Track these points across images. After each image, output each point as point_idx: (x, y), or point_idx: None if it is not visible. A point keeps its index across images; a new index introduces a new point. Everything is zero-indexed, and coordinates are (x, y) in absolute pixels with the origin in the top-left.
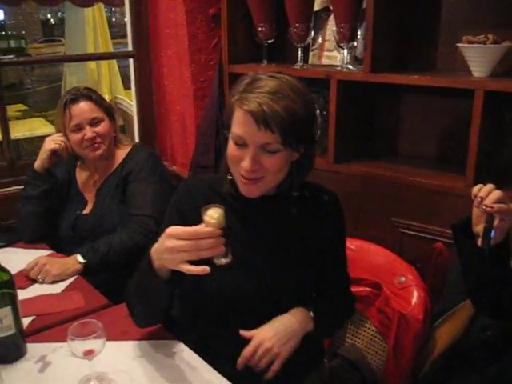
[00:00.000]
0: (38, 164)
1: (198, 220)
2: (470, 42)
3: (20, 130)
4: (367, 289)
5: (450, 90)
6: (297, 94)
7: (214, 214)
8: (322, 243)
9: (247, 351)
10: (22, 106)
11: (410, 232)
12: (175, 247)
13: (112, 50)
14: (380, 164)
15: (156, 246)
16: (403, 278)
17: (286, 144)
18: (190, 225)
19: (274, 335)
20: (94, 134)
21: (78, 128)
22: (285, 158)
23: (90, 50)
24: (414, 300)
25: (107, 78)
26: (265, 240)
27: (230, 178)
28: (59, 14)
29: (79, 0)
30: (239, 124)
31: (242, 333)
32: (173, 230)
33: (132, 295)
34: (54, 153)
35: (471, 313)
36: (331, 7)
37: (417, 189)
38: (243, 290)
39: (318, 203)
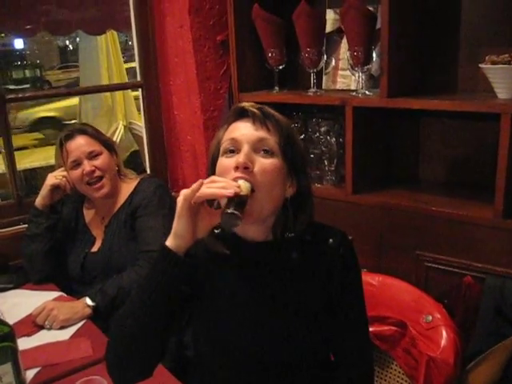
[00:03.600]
0: (39, 201)
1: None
2: (493, 63)
3: (37, 159)
4: (392, 328)
5: (473, 113)
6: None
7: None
8: (330, 295)
9: None
10: (38, 135)
11: (435, 266)
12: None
13: (126, 76)
14: (401, 193)
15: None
16: (430, 317)
17: (282, 146)
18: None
19: None
20: (93, 168)
21: (77, 164)
22: (281, 168)
23: (104, 76)
24: (444, 342)
25: (121, 104)
26: (264, 293)
27: (216, 232)
28: (77, 39)
29: (91, 28)
30: (231, 132)
31: None
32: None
33: (127, 318)
34: (55, 188)
35: (509, 355)
36: (343, 29)
37: (441, 219)
38: (245, 349)
39: (321, 248)
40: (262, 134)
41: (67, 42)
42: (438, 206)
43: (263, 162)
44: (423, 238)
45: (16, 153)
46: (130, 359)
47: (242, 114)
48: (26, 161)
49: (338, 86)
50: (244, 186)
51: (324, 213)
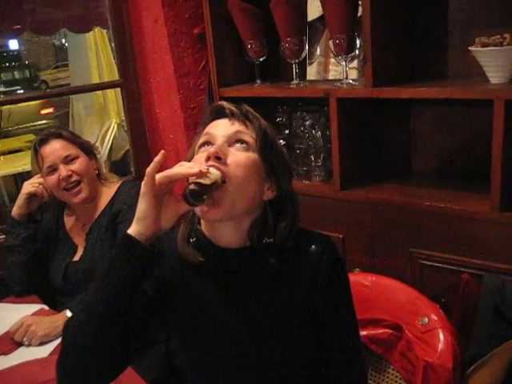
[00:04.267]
0: (15, 211)
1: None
2: (484, 45)
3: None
4: (387, 330)
5: (465, 100)
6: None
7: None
8: (314, 306)
9: None
10: (31, 136)
11: (430, 263)
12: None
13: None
14: (392, 187)
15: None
16: (426, 319)
17: (259, 143)
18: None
19: None
20: (70, 173)
21: (53, 169)
22: (256, 164)
23: (94, 74)
24: (441, 346)
25: (114, 102)
26: (241, 303)
27: (192, 241)
28: (63, 40)
29: (76, 26)
30: (207, 129)
31: None
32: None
33: (85, 311)
34: (32, 197)
35: (511, 358)
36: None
37: (435, 214)
38: (225, 362)
39: (303, 255)
40: (237, 127)
41: (63, 41)
42: (432, 200)
43: (237, 155)
44: (417, 235)
45: (11, 156)
46: (79, 367)
47: (219, 113)
48: (20, 163)
49: (331, 75)
50: (213, 171)
51: (312, 211)
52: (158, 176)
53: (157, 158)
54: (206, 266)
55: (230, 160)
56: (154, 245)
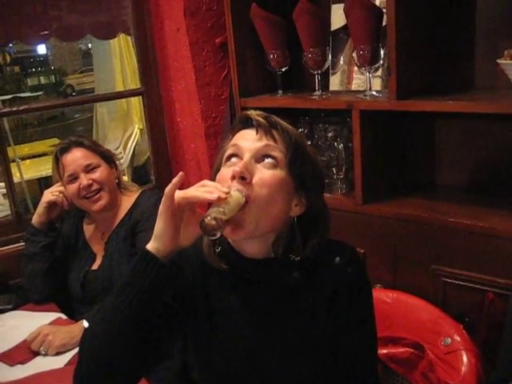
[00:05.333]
0: (35, 219)
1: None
2: None
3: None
4: (408, 349)
5: (492, 113)
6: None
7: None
8: (335, 320)
9: None
10: (55, 141)
11: (453, 281)
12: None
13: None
14: (415, 202)
15: None
16: (449, 340)
17: (289, 158)
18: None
19: None
20: (91, 181)
21: (74, 178)
22: (283, 182)
23: (118, 80)
24: (464, 368)
25: (137, 108)
26: (262, 314)
27: (218, 250)
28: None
29: (101, 33)
30: (234, 140)
31: None
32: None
33: (102, 324)
34: (52, 205)
35: None
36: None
37: (460, 231)
38: (243, 374)
39: (327, 267)
40: (265, 142)
41: (89, 46)
42: (457, 216)
43: (263, 173)
44: (440, 251)
45: (35, 160)
46: (94, 378)
47: (246, 123)
48: (44, 168)
49: (354, 85)
50: (235, 195)
51: (333, 224)
52: (177, 196)
53: (175, 180)
54: (230, 275)
55: (255, 179)
56: (174, 259)
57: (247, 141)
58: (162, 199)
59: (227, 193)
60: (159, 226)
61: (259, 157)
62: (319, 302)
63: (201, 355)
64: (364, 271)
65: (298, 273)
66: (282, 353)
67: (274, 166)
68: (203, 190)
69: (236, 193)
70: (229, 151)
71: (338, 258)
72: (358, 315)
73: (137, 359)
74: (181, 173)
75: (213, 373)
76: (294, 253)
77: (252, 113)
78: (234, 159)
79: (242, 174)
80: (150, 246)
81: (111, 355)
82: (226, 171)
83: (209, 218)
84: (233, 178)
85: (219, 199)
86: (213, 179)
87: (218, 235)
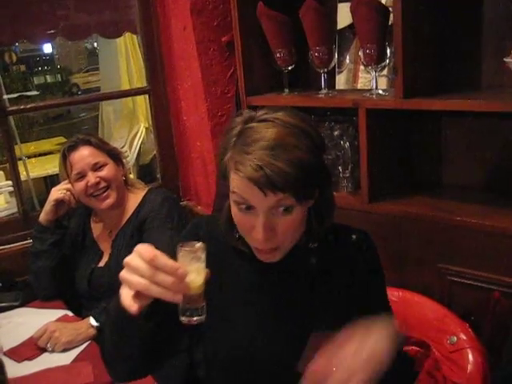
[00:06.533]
0: (42, 217)
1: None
2: None
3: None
4: (414, 347)
5: (499, 112)
6: (297, 136)
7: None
8: (355, 289)
9: None
10: (62, 139)
11: (459, 280)
12: (132, 265)
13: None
14: (422, 200)
15: None
16: (455, 338)
17: (300, 198)
18: None
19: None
20: (98, 179)
21: (81, 176)
22: (301, 213)
23: (124, 79)
24: (470, 367)
25: (143, 106)
26: (281, 298)
27: (237, 235)
28: (95, 44)
29: (107, 32)
30: (239, 189)
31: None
32: (142, 246)
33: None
34: (59, 203)
35: None
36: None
37: (466, 230)
38: (257, 357)
39: (344, 245)
40: (275, 198)
41: (95, 45)
42: (463, 214)
43: (285, 224)
44: (446, 250)
45: (41, 158)
46: (118, 364)
47: (244, 141)
48: (51, 166)
49: (360, 83)
50: (194, 281)
51: (339, 222)
52: (137, 288)
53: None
54: (248, 259)
55: (279, 232)
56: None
57: (256, 199)
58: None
59: (187, 285)
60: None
61: (274, 208)
62: (335, 281)
63: (209, 342)
64: (376, 248)
65: (315, 258)
66: (296, 332)
67: (291, 211)
68: (164, 286)
69: (195, 276)
70: (236, 197)
71: (354, 236)
72: (376, 278)
73: (147, 355)
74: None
75: (218, 357)
76: (312, 240)
77: (250, 170)
78: (247, 210)
79: (268, 245)
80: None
81: (117, 353)
82: (243, 218)
83: (183, 318)
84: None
85: (184, 296)
86: (219, 186)
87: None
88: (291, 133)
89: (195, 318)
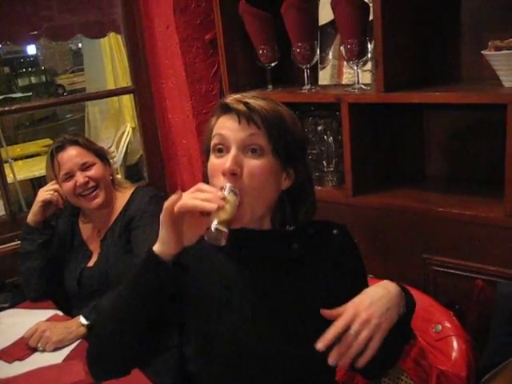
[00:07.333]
0: (30, 218)
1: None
2: (497, 48)
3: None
4: None
5: (478, 104)
6: (283, 107)
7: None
8: (336, 288)
9: (338, 326)
10: (48, 141)
11: (443, 269)
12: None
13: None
14: (405, 193)
15: None
16: (440, 327)
17: (272, 143)
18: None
19: (371, 303)
20: (87, 179)
21: (70, 176)
22: (271, 168)
23: (109, 79)
24: (455, 354)
25: (129, 107)
26: (262, 285)
27: None
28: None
29: (91, 32)
30: (217, 127)
31: (324, 312)
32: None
33: (110, 317)
34: (46, 204)
35: None
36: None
37: (449, 220)
38: (243, 346)
39: (325, 239)
40: (249, 132)
41: (79, 45)
42: (446, 205)
43: (252, 166)
44: (430, 241)
45: (28, 160)
46: (106, 359)
47: (227, 110)
48: (37, 168)
49: (345, 79)
50: (231, 198)
51: (324, 216)
52: (177, 207)
53: (174, 197)
54: (230, 249)
55: (245, 172)
56: (179, 259)
57: (231, 130)
58: (163, 211)
59: (224, 198)
60: (162, 233)
61: (245, 148)
62: (318, 273)
63: (198, 335)
64: (354, 240)
65: (297, 245)
66: (279, 322)
67: (261, 155)
68: (201, 198)
69: (231, 195)
70: (215, 140)
71: (335, 230)
72: (358, 275)
73: (142, 346)
74: (179, 191)
75: (210, 353)
76: (288, 223)
77: (230, 100)
78: (221, 152)
79: (232, 171)
80: (156, 248)
81: (116, 346)
82: (216, 162)
83: (212, 228)
84: (223, 174)
85: (218, 208)
86: (205, 161)
87: (224, 243)
88: (278, 103)
89: (220, 227)
